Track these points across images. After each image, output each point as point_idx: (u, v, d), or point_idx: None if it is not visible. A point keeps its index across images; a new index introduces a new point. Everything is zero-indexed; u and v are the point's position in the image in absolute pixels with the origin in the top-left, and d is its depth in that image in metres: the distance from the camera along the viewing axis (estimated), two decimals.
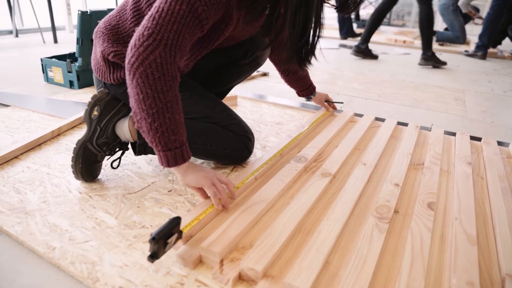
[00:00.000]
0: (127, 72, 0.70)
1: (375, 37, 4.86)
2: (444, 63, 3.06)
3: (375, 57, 3.31)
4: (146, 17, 0.70)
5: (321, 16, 0.80)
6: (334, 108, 1.59)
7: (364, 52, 3.28)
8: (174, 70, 0.69)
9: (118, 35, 0.94)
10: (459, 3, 4.29)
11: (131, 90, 0.71)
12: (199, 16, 0.70)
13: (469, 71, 2.99)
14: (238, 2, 0.81)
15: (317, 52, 0.87)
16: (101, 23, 0.99)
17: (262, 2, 0.80)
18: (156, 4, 0.70)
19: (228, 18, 0.83)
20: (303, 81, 1.38)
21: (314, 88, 1.43)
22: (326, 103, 1.54)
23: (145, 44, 0.66)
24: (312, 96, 1.45)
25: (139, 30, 0.69)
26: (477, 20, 4.51)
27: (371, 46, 4.15)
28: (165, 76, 0.68)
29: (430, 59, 3.03)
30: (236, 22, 0.87)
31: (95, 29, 1.00)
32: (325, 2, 0.82)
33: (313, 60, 0.88)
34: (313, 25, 0.79)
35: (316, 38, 0.83)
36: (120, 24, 0.94)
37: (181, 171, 0.80)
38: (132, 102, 0.72)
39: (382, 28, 6.45)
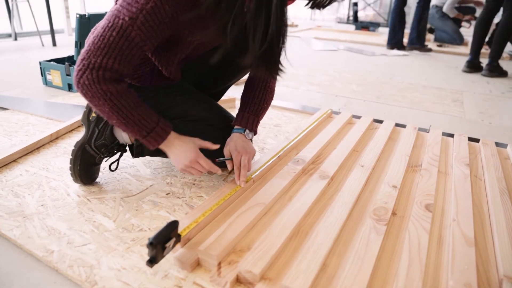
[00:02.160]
0: None
1: (374, 39, 4.88)
2: (506, 73, 2.87)
3: (505, 73, 2.91)
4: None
5: (284, 17, 0.72)
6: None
7: (498, 70, 2.89)
8: (104, 86, 0.75)
9: None
10: (444, 10, 4.30)
11: None
12: (133, 40, 0.74)
13: (468, 72, 2.99)
14: (193, 17, 0.77)
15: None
16: (91, 34, 1.00)
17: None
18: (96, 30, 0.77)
19: (185, 33, 0.82)
20: (251, 107, 1.03)
21: (250, 129, 1.01)
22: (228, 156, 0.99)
23: (77, 69, 0.75)
24: (235, 130, 1.02)
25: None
26: (464, 24, 4.53)
27: (366, 47, 4.18)
28: (97, 94, 0.75)
29: (496, 70, 2.84)
30: (203, 31, 0.84)
31: (86, 40, 1.01)
32: None
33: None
34: (275, 28, 0.71)
35: (280, 43, 0.75)
36: None
37: (167, 151, 0.88)
38: None
39: (380, 29, 6.47)
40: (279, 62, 0.79)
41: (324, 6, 0.76)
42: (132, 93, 0.81)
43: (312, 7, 0.76)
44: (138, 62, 0.83)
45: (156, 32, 0.75)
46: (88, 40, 0.77)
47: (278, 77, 0.88)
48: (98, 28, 0.77)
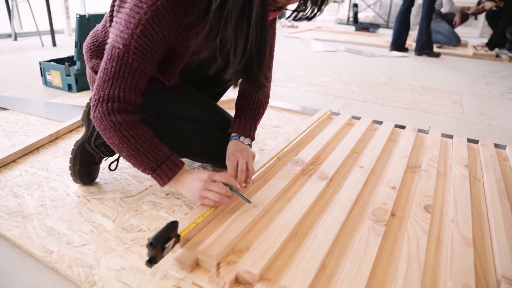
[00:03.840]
0: None
1: (373, 40, 4.89)
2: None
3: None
4: None
5: (265, 32, 0.69)
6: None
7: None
8: (113, 118, 0.77)
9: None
10: (449, 10, 4.31)
11: None
12: (132, 66, 0.76)
13: (467, 73, 3.00)
14: (182, 32, 0.78)
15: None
16: (89, 38, 1.00)
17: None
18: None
19: (180, 49, 0.81)
20: (247, 114, 1.01)
21: (247, 135, 1.00)
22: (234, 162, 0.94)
23: (91, 105, 0.79)
24: (232, 138, 1.01)
25: None
26: (471, 17, 4.57)
27: (366, 48, 4.17)
28: (108, 126, 0.78)
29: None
30: (196, 43, 0.82)
31: (84, 44, 1.01)
32: (272, 10, 0.72)
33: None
34: (254, 42, 0.69)
35: (261, 58, 0.72)
36: (106, 40, 0.96)
37: (178, 187, 0.84)
38: None
39: (380, 31, 6.47)
40: (260, 77, 0.77)
41: (309, 19, 0.74)
42: (144, 126, 0.81)
43: (294, 19, 0.73)
44: (145, 87, 0.82)
45: (151, 53, 0.76)
46: (97, 75, 0.80)
47: (266, 86, 0.85)
48: (102, 62, 0.78)
